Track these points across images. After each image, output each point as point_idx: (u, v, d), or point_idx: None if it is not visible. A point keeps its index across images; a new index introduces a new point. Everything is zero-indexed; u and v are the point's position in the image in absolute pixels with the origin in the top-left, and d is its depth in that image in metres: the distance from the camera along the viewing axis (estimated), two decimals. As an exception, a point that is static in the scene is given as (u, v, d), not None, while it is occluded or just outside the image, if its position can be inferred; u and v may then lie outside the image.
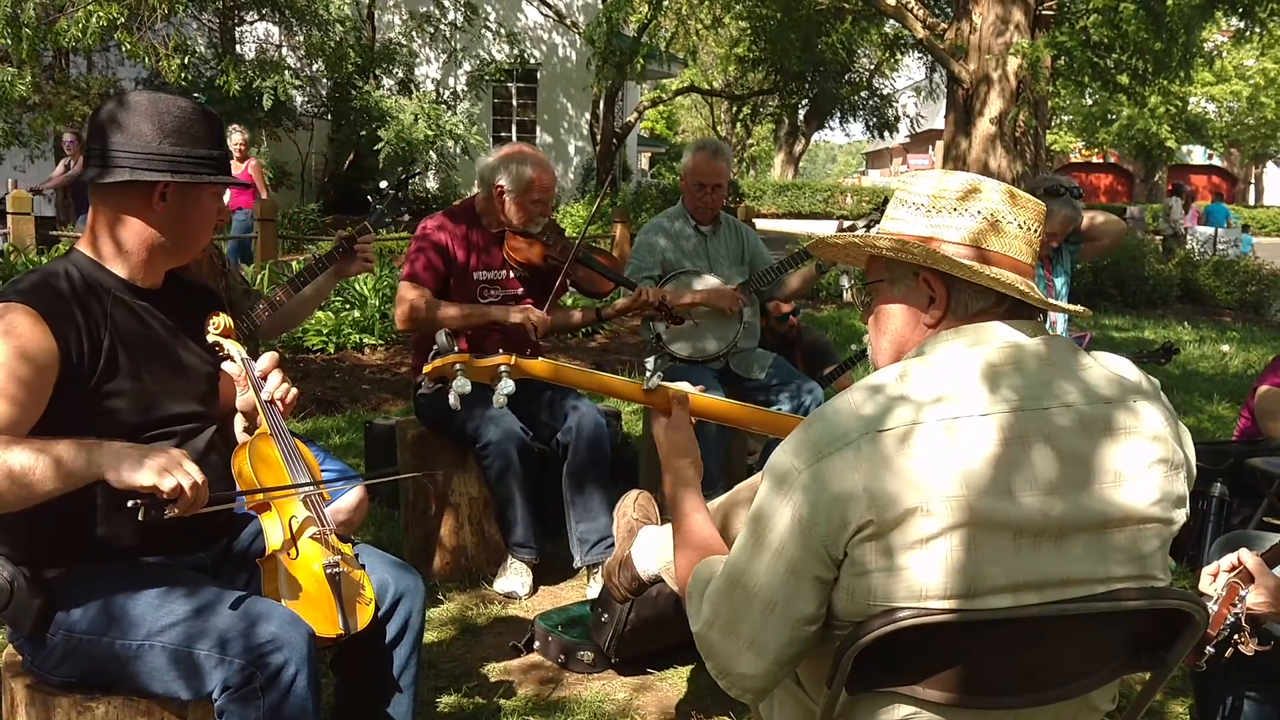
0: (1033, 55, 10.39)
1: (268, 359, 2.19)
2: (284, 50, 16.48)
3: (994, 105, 10.93)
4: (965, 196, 1.50)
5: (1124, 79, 11.60)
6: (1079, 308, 1.64)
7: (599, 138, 20.46)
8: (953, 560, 1.33)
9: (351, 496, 2.93)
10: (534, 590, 3.72)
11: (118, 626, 1.89)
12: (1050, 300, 1.52)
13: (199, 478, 1.75)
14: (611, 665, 3.15)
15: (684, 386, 2.00)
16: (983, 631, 1.37)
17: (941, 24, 11.63)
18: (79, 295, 1.98)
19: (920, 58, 22.18)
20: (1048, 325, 2.66)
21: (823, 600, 1.41)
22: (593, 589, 3.62)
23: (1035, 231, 1.52)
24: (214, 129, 2.08)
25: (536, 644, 3.27)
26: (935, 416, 1.36)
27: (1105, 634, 1.45)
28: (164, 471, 1.71)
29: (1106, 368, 1.49)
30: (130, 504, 1.70)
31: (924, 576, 1.33)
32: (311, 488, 2.11)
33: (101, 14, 11.25)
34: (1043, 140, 11.64)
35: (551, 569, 3.83)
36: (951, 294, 1.49)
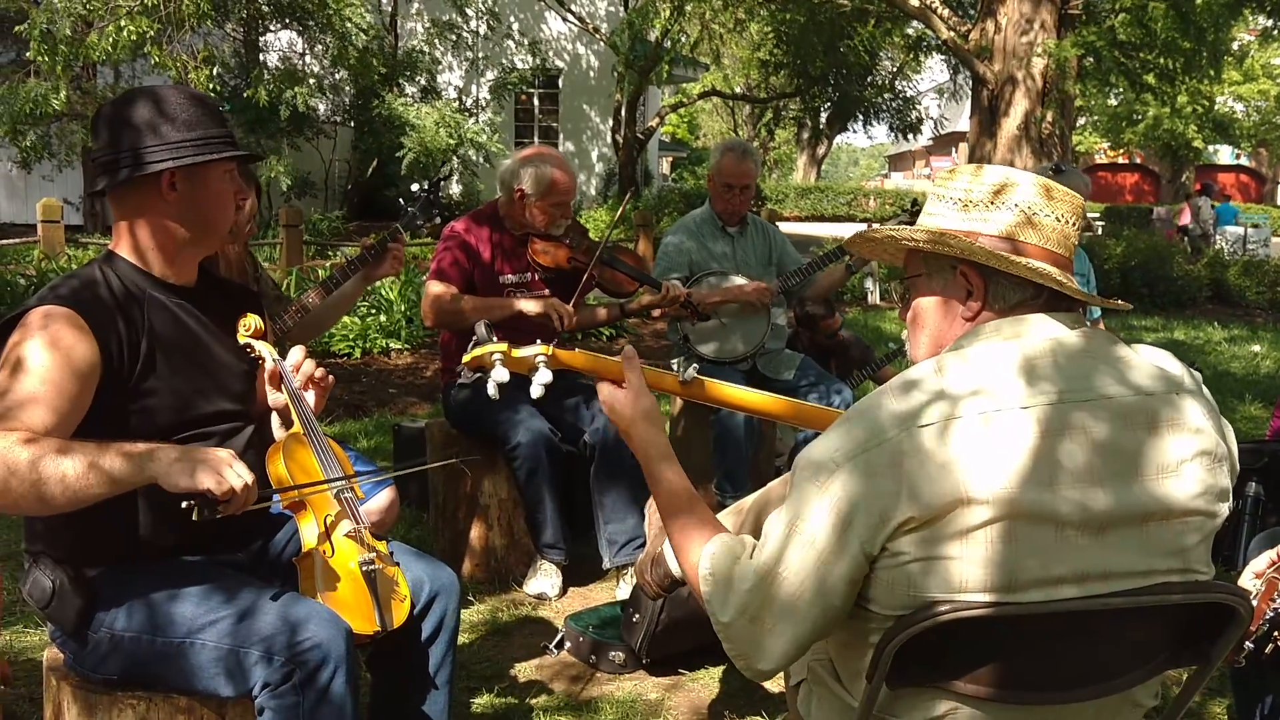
0: (1060, 55, 10.33)
1: (298, 352, 2.20)
2: (307, 59, 16.60)
3: (1019, 106, 10.88)
4: (1000, 191, 1.50)
5: (1151, 78, 11.52)
6: (1117, 301, 1.63)
7: (621, 144, 20.49)
8: (993, 553, 1.32)
9: (383, 497, 2.94)
10: (564, 591, 3.73)
11: (159, 625, 1.91)
12: (1088, 293, 1.51)
13: (249, 478, 1.76)
14: (643, 665, 3.15)
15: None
16: (1024, 625, 1.37)
17: (966, 25, 11.59)
18: (116, 297, 1.99)
19: (944, 59, 22.08)
20: None
21: (851, 594, 1.41)
22: (622, 590, 3.63)
23: (1072, 225, 1.51)
24: (209, 110, 2.06)
25: (568, 644, 3.27)
26: (974, 410, 1.36)
27: (1148, 628, 1.44)
28: (218, 475, 1.72)
29: (1148, 360, 1.48)
30: (184, 505, 1.72)
31: (964, 569, 1.33)
32: (344, 481, 2.12)
33: (132, 28, 11.36)
34: (1069, 141, 11.58)
35: (581, 570, 3.83)
36: (989, 286, 1.48)
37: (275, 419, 2.25)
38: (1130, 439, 1.38)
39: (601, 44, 19.90)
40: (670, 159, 36.91)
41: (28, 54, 12.43)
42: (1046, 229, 1.49)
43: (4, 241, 11.42)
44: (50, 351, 1.85)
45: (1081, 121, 31.06)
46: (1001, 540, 1.32)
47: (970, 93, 12.72)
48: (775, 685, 3.06)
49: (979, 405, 1.36)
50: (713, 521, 1.65)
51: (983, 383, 1.39)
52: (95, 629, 1.95)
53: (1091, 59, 11.01)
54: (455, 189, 19.34)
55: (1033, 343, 1.44)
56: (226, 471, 1.73)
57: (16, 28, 12.25)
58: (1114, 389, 1.41)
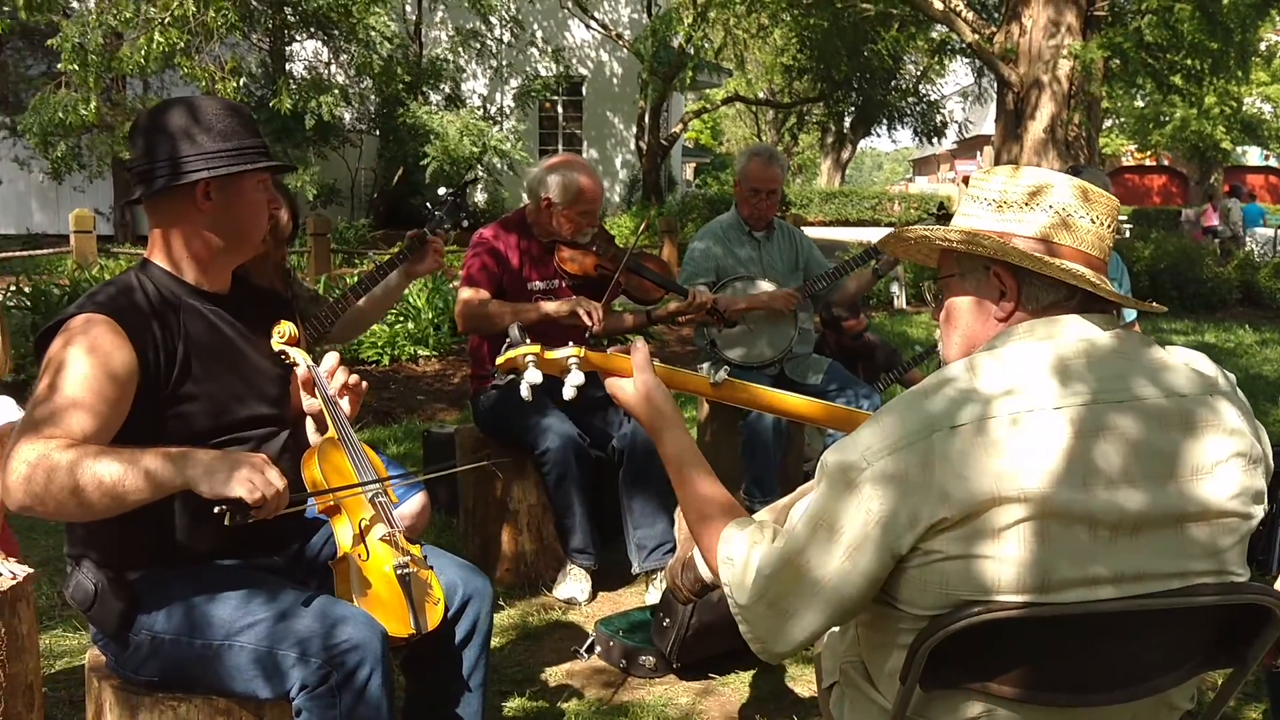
0: (1086, 57, 10.28)
1: (331, 358, 2.22)
2: (333, 68, 16.73)
3: (1045, 109, 10.83)
4: (1036, 193, 1.50)
5: (1178, 80, 11.44)
6: (1151, 303, 1.63)
7: (644, 150, 20.53)
8: (1026, 553, 1.33)
9: (415, 502, 2.97)
10: (593, 596, 3.74)
11: (198, 627, 1.94)
12: (1122, 295, 1.51)
13: (281, 484, 1.78)
14: (673, 670, 3.16)
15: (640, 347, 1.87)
16: (1058, 626, 1.37)
17: (990, 28, 11.55)
18: (153, 304, 2.02)
19: (968, 62, 22.03)
20: None
21: (873, 590, 1.42)
22: (652, 594, 3.64)
23: (1108, 227, 1.51)
24: (243, 120, 2.08)
25: (598, 649, 3.29)
26: (1006, 410, 1.36)
27: (1183, 630, 1.44)
28: (251, 483, 1.75)
29: (1182, 362, 1.48)
30: (216, 510, 1.75)
31: (997, 570, 1.33)
32: (378, 484, 2.14)
33: (162, 40, 11.50)
34: (1095, 143, 11.51)
35: (610, 575, 3.84)
36: (1022, 287, 1.48)
37: (310, 423, 2.28)
38: (1165, 440, 1.38)
39: (625, 51, 19.96)
40: (694, 165, 36.93)
41: (59, 65, 12.61)
42: (1081, 231, 1.50)
43: (38, 252, 11.58)
44: (90, 359, 1.88)
45: (1108, 124, 30.86)
46: (1035, 540, 1.32)
47: (995, 96, 12.68)
48: (806, 689, 3.06)
49: (1012, 405, 1.36)
50: (732, 504, 1.67)
51: (1016, 383, 1.39)
52: (136, 631, 1.98)
53: (1118, 61, 10.94)
54: (480, 197, 19.43)
55: (1066, 343, 1.44)
56: (258, 478, 1.76)
57: (49, 40, 12.43)
58: (1148, 390, 1.41)
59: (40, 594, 3.48)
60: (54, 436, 1.79)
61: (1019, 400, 1.37)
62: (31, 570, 2.35)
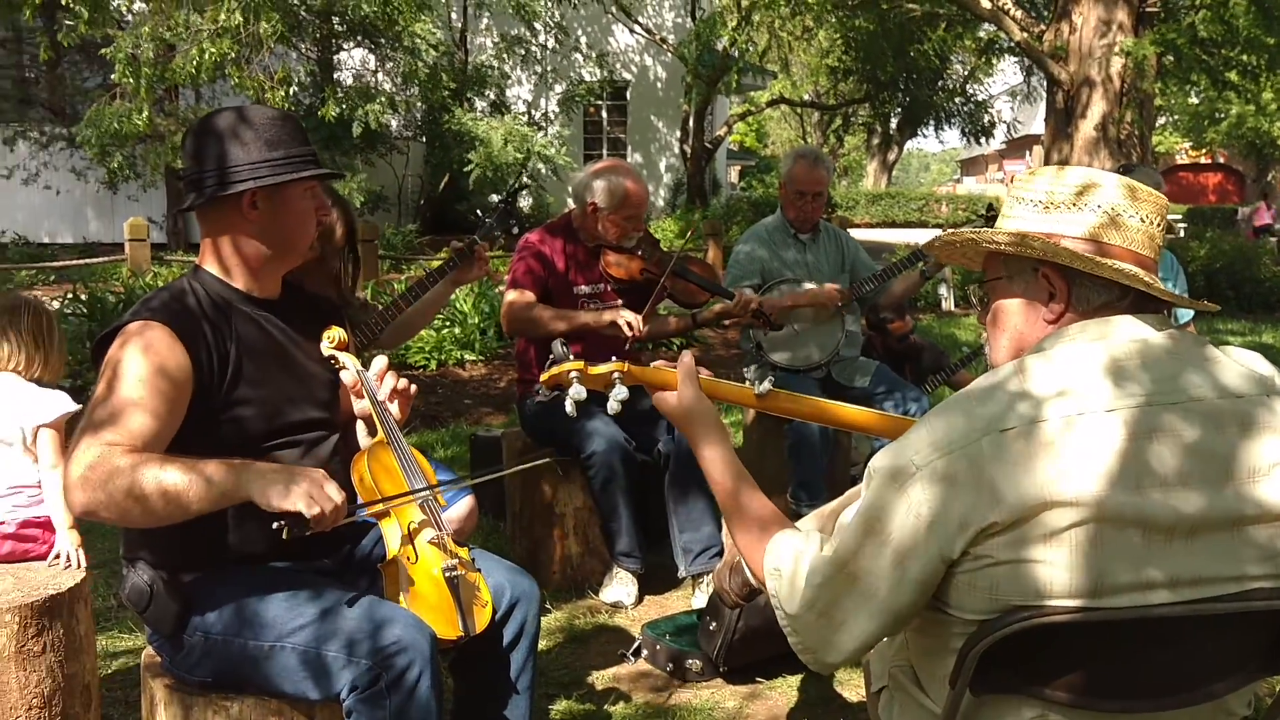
0: (1138, 54, 10.11)
1: (380, 362, 2.25)
2: (380, 76, 16.91)
3: (1096, 107, 10.67)
4: (1083, 192, 1.48)
5: (1234, 76, 11.23)
6: (1204, 302, 1.60)
7: (689, 154, 20.52)
8: (1079, 557, 1.31)
9: (463, 505, 2.99)
10: (640, 600, 3.75)
11: (250, 628, 1.96)
12: (1175, 294, 1.49)
13: (339, 499, 1.81)
14: (720, 674, 3.15)
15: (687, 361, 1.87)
16: (1112, 631, 1.35)
17: (1040, 26, 11.41)
18: (206, 310, 2.06)
19: (1017, 61, 21.78)
20: None
21: (924, 597, 1.40)
22: (698, 598, 3.63)
23: (1158, 226, 1.49)
24: (291, 128, 2.11)
25: (644, 652, 3.29)
26: (1058, 413, 1.34)
27: (1240, 635, 1.41)
28: (310, 498, 1.77)
29: (1238, 362, 1.45)
30: (275, 525, 1.78)
31: (1049, 574, 1.32)
32: (428, 491, 2.16)
33: (214, 50, 11.70)
34: (1148, 141, 11.33)
35: (656, 579, 3.84)
36: (1073, 289, 1.46)
37: (360, 426, 2.30)
38: (1221, 442, 1.36)
39: (669, 55, 19.95)
40: (739, 168, 36.85)
41: (113, 77, 12.87)
42: (1131, 230, 1.47)
43: (93, 260, 11.82)
44: (146, 363, 1.91)
45: (1161, 121, 30.36)
46: (1088, 544, 1.31)
47: (1045, 95, 12.52)
48: (854, 694, 3.04)
49: (1063, 408, 1.35)
50: (776, 515, 1.66)
51: (1067, 385, 1.37)
52: (190, 632, 2.01)
53: (1171, 57, 10.76)
54: (525, 202, 19.53)
55: (1118, 344, 1.42)
56: (318, 492, 1.78)
57: (103, 50, 12.69)
58: (1203, 391, 1.38)
59: (97, 596, 3.55)
60: (114, 441, 1.82)
61: (1071, 402, 1.35)
62: (88, 572, 2.40)
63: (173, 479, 1.78)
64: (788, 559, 1.52)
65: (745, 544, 1.65)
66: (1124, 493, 1.31)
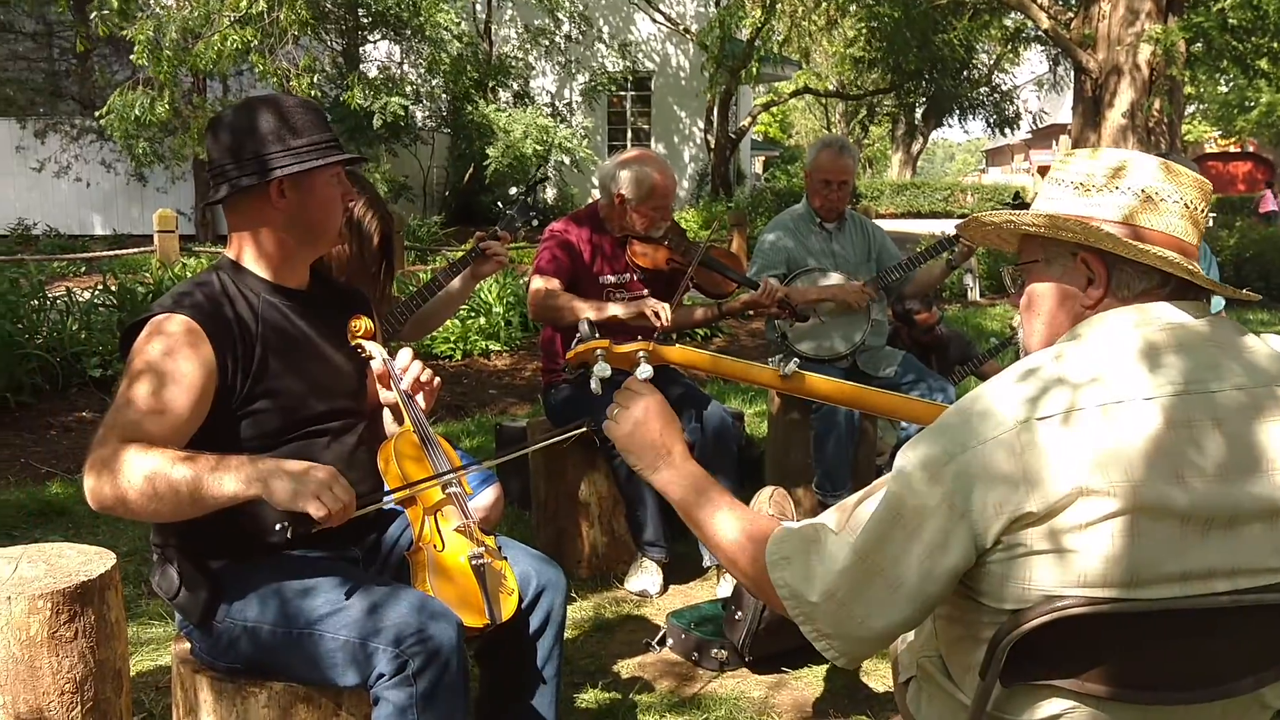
0: (1167, 41, 10.00)
1: (406, 354, 2.25)
2: (404, 67, 16.97)
3: (1125, 96, 10.57)
4: (1121, 174, 1.45)
5: (1265, 63, 11.09)
6: (1246, 292, 1.57)
7: (713, 144, 20.47)
8: (1115, 547, 1.29)
9: (489, 494, 3.00)
10: (665, 589, 3.75)
11: (279, 615, 1.97)
12: (1218, 282, 1.46)
13: (347, 498, 1.81)
14: (745, 663, 3.15)
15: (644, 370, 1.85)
16: (1147, 622, 1.33)
17: (1068, 13, 11.31)
18: (232, 302, 2.06)
19: (1043, 50, 21.60)
20: None
21: (953, 586, 1.38)
22: (723, 588, 3.63)
23: (1199, 209, 1.46)
24: (316, 116, 2.11)
25: (670, 641, 3.29)
26: (1094, 400, 1.32)
27: (1278, 627, 1.39)
28: (317, 499, 1.78)
29: (1275, 349, 1.43)
30: (279, 526, 1.79)
31: (1084, 563, 1.30)
32: (453, 474, 2.16)
33: (236, 37, 11.77)
34: (1178, 130, 11.21)
35: (681, 568, 3.84)
36: (1112, 274, 1.44)
37: (387, 415, 2.31)
38: (1262, 430, 1.33)
39: (692, 44, 19.91)
40: (763, 158, 36.74)
41: (131, 56, 12.95)
42: (1171, 213, 1.44)
43: (123, 251, 11.93)
44: (170, 356, 1.92)
45: (1190, 110, 30.04)
46: (1124, 534, 1.29)
47: (1072, 84, 12.40)
48: (881, 684, 3.03)
49: (1100, 395, 1.33)
50: (758, 514, 1.62)
51: (1104, 372, 1.35)
52: (219, 619, 2.02)
53: (1200, 44, 10.64)
54: (549, 193, 19.56)
55: (1156, 331, 1.39)
56: (326, 495, 1.78)
57: (124, 32, 12.78)
58: (1242, 379, 1.36)
59: (127, 583, 3.58)
60: (135, 435, 1.84)
61: (1108, 390, 1.33)
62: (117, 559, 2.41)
63: (186, 476, 1.79)
64: (798, 545, 1.47)
65: (732, 547, 1.57)
66: (1162, 482, 1.29)
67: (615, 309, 3.74)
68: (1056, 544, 1.30)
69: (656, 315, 3.66)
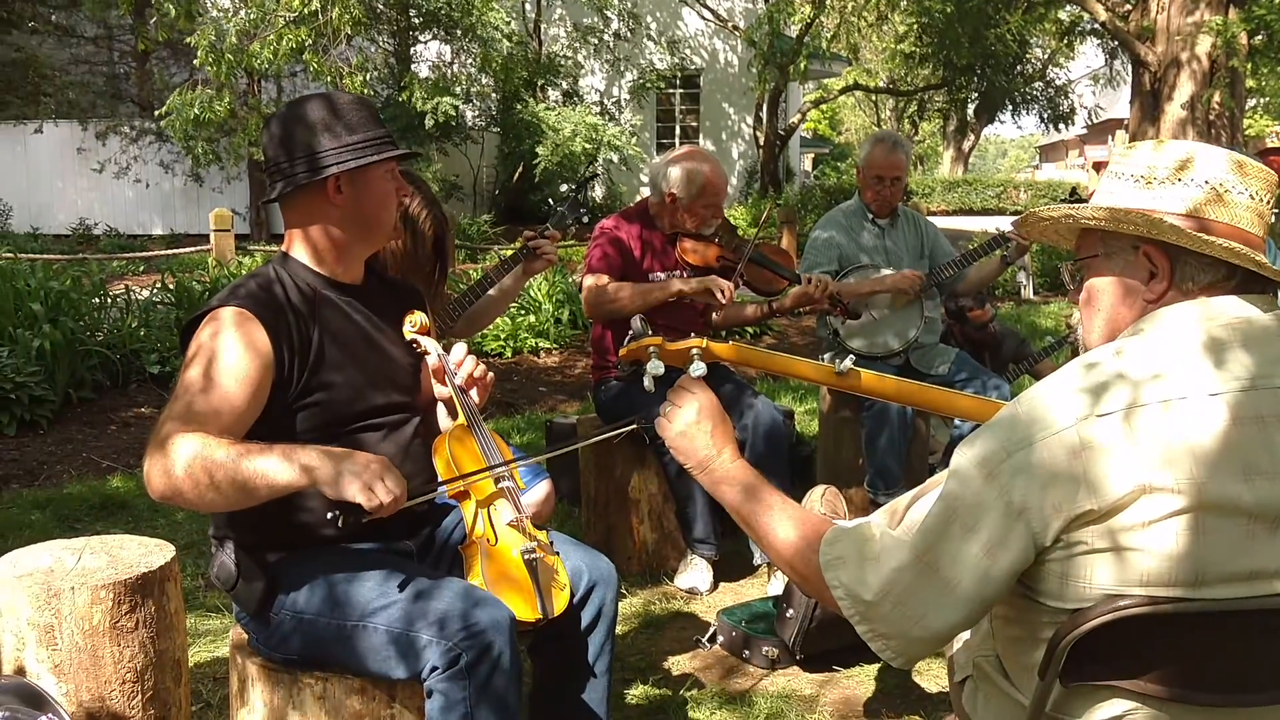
0: (1227, 33, 9.80)
1: (460, 349, 2.27)
2: (455, 67, 17.10)
3: (1184, 89, 10.37)
4: (1186, 166, 1.42)
5: (1330, 54, 10.82)
6: None
7: (762, 141, 20.38)
8: (1179, 546, 1.26)
9: (541, 489, 3.02)
10: (715, 586, 3.74)
11: (334, 607, 1.99)
12: None
13: (398, 490, 1.82)
14: (796, 661, 3.13)
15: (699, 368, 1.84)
16: (1211, 623, 1.30)
17: (1125, 5, 11.11)
18: (289, 296, 2.09)
19: (1099, 44, 21.22)
20: None
21: (1009, 586, 1.36)
22: (774, 585, 3.61)
23: (1266, 202, 1.43)
24: (369, 113, 2.13)
25: (720, 638, 3.28)
26: (1157, 396, 1.30)
27: (1348, 629, 1.35)
28: (368, 490, 1.78)
29: (1346, 345, 1.39)
30: (330, 515, 1.80)
31: (1147, 562, 1.27)
32: (504, 467, 2.17)
33: (291, 37, 11.95)
34: (1239, 123, 10.98)
35: (731, 565, 3.83)
36: (1176, 267, 1.41)
37: (441, 409, 2.33)
38: (1331, 427, 1.30)
39: (740, 40, 19.83)
40: (812, 155, 36.53)
41: (194, 61, 13.24)
42: (1238, 206, 1.41)
43: (180, 250, 12.14)
44: (229, 350, 1.95)
45: (1251, 103, 29.39)
46: (1188, 533, 1.26)
47: (1127, 78, 12.19)
48: (934, 684, 3.00)
49: (1163, 392, 1.30)
50: (813, 514, 1.61)
51: (1167, 368, 1.32)
52: (276, 610, 2.05)
53: (1262, 36, 10.40)
54: (598, 191, 19.60)
55: (1220, 325, 1.36)
56: (377, 486, 1.79)
57: (187, 39, 13.04)
58: (1312, 374, 1.33)
59: (185, 575, 3.64)
60: (194, 427, 1.86)
61: (1171, 386, 1.30)
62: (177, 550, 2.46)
63: (237, 463, 1.81)
64: (853, 546, 1.46)
65: (785, 547, 1.56)
66: (1229, 480, 1.26)
67: (679, 284, 3.74)
68: (1117, 542, 1.28)
69: (723, 292, 3.66)
